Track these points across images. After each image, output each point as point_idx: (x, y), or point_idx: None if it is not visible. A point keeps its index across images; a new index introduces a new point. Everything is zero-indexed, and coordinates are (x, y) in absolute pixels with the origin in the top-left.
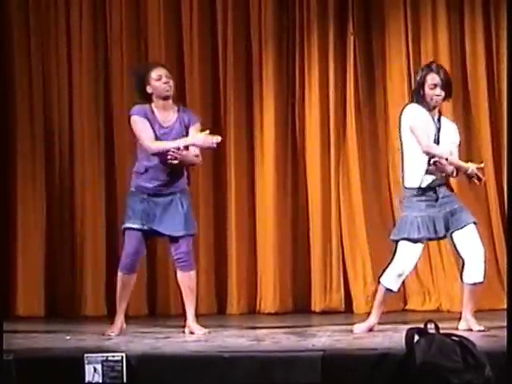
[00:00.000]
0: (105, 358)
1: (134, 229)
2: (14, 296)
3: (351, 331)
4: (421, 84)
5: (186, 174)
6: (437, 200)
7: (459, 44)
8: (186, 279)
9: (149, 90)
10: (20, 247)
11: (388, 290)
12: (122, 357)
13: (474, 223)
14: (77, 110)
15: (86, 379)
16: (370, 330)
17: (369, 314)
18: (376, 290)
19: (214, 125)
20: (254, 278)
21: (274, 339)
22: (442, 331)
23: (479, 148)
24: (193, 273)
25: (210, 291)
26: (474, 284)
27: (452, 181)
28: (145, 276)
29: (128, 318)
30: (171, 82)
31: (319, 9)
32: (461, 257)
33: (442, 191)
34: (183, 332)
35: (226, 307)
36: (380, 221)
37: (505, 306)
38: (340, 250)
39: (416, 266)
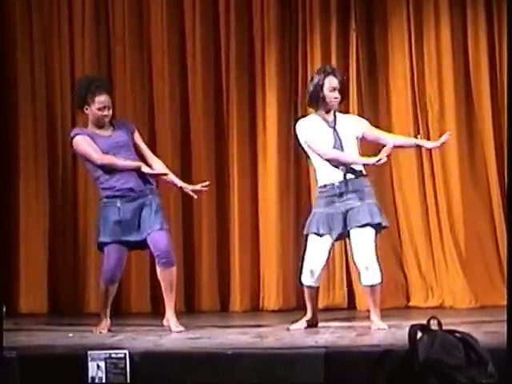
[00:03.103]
0: (108, 355)
1: (112, 242)
2: (17, 293)
3: (354, 328)
4: (320, 86)
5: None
6: (338, 196)
7: (462, 41)
8: (167, 276)
9: (86, 110)
10: (23, 244)
11: (308, 287)
12: (125, 354)
13: (370, 224)
14: (79, 111)
15: (89, 376)
16: (311, 325)
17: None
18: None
19: (216, 123)
20: (256, 275)
21: (276, 336)
22: (444, 328)
23: (481, 144)
24: (173, 269)
25: (213, 289)
26: (372, 286)
27: (456, 177)
28: (148, 274)
29: (131, 315)
30: (110, 111)
31: (321, 6)
32: (352, 258)
33: (347, 188)
34: (162, 325)
35: (229, 304)
36: None
37: None
38: (342, 247)
39: (419, 263)
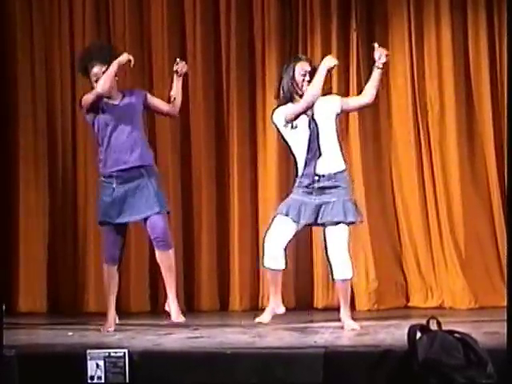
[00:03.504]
0: (107, 354)
1: (107, 223)
2: (16, 292)
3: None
4: (291, 75)
5: (151, 151)
6: (313, 188)
7: (462, 42)
8: (165, 258)
9: (90, 82)
10: (23, 243)
11: (271, 270)
12: (125, 353)
13: (344, 223)
14: (80, 110)
15: (88, 375)
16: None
17: (370, 310)
18: (378, 287)
19: (216, 123)
20: (256, 274)
21: (276, 336)
22: (444, 328)
23: (482, 146)
24: (171, 251)
25: (213, 288)
26: (344, 280)
27: (456, 179)
28: (147, 273)
29: (130, 315)
30: None
31: (322, 6)
32: (326, 254)
33: (322, 181)
34: (164, 309)
35: (228, 304)
36: (382, 217)
37: None
38: None
39: (419, 264)
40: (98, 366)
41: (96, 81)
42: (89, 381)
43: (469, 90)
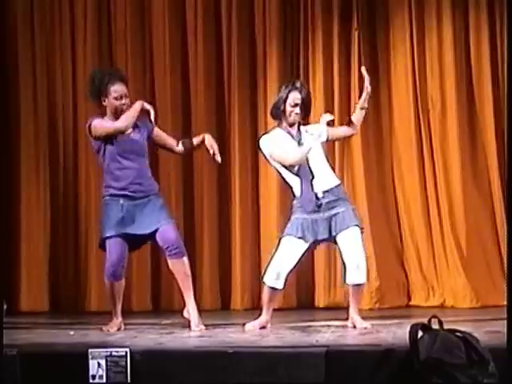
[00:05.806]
0: (109, 354)
1: (114, 236)
2: (18, 291)
3: (355, 327)
4: (283, 100)
5: (154, 181)
6: (320, 206)
7: (464, 40)
8: (180, 266)
9: (104, 102)
10: (24, 242)
11: (271, 288)
12: (126, 352)
13: (358, 226)
14: (81, 109)
15: (90, 374)
16: (263, 327)
17: (371, 309)
18: (380, 286)
19: (218, 122)
20: (257, 273)
21: (277, 335)
22: (445, 327)
23: (483, 144)
24: (185, 258)
25: (214, 287)
26: (357, 285)
27: (457, 178)
28: (149, 272)
29: (132, 314)
30: (128, 101)
31: (323, 5)
32: (342, 258)
33: (327, 196)
34: (182, 316)
35: (230, 303)
36: (384, 216)
37: None
38: None
39: (420, 263)
40: (99, 365)
41: (115, 98)
42: (90, 380)
43: (470, 89)
